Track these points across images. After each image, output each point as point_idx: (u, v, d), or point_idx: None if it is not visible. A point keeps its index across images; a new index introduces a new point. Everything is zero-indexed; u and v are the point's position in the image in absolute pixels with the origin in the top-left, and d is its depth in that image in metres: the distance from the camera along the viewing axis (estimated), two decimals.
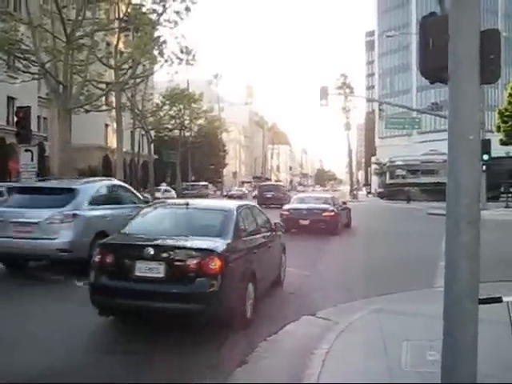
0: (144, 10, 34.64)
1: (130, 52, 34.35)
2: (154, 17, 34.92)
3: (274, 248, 9.41)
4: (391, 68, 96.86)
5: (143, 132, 50.74)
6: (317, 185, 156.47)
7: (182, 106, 54.47)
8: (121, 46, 36.73)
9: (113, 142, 45.58)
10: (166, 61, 35.27)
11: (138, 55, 33.20)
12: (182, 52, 37.52)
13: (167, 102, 52.78)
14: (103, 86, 35.08)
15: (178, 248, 6.78)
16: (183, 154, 58.14)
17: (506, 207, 39.44)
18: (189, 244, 6.85)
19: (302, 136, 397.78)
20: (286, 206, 22.37)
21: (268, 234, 9.19)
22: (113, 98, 39.17)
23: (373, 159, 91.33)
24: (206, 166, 69.79)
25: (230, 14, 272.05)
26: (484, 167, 35.16)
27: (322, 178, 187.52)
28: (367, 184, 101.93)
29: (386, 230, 23.01)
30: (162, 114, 53.19)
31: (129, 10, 34.16)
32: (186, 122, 58.18)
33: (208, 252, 6.57)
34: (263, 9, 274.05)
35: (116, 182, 15.12)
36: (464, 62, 3.34)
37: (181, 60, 37.25)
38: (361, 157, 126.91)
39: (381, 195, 69.62)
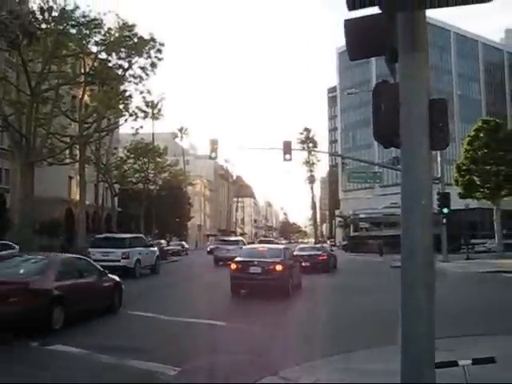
0: (110, 64, 35.06)
1: (95, 106, 34.54)
2: (119, 72, 35.31)
3: (296, 267, 19.88)
4: (353, 123, 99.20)
5: (107, 185, 50.41)
6: (281, 237, 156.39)
7: (146, 160, 54.48)
8: (86, 99, 36.89)
9: (76, 194, 45.05)
10: (131, 115, 35.54)
11: (103, 109, 33.40)
12: (147, 106, 37.93)
13: (131, 156, 52.75)
14: (67, 139, 34.97)
15: (264, 261, 17.37)
16: (148, 207, 57.75)
17: (466, 259, 40.05)
18: (268, 260, 17.51)
19: (266, 189, 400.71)
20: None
21: (293, 260, 20.19)
22: (77, 151, 38.97)
23: (337, 212, 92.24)
24: (170, 219, 69.30)
25: (196, 68, 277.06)
26: (444, 220, 35.92)
27: (287, 230, 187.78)
28: (331, 237, 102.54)
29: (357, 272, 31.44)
30: (126, 167, 53.06)
31: (95, 64, 34.52)
32: (151, 176, 58.07)
33: (277, 262, 17.36)
34: (230, 64, 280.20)
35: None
36: (414, 129, 3.47)
37: (146, 114, 37.56)
38: (325, 209, 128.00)
39: (345, 248, 70.08)
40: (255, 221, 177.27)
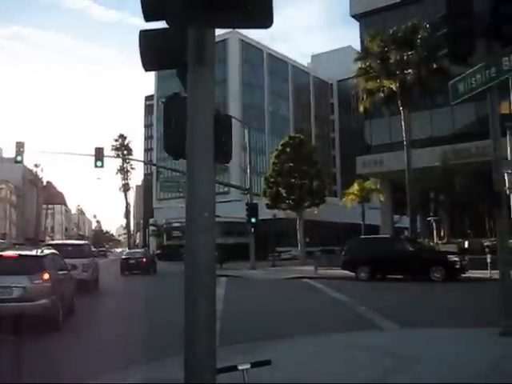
0: None
1: None
2: None
3: (155, 262, 43.10)
4: None
5: None
6: (93, 246, 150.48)
7: None
8: None
9: None
10: None
11: None
12: None
13: None
14: None
15: (136, 257, 38.21)
16: None
17: (272, 266, 42.34)
18: (138, 256, 38.59)
19: (79, 196, 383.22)
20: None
21: (151, 257, 44.00)
22: None
23: (151, 221, 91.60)
24: None
25: (6, 64, 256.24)
26: (252, 229, 37.66)
27: (100, 239, 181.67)
28: (145, 245, 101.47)
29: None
30: None
31: None
32: None
33: (143, 257, 38.81)
34: (42, 64, 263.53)
35: None
36: (200, 143, 3.56)
37: None
38: (140, 218, 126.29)
39: (159, 256, 69.87)
40: (66, 229, 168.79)
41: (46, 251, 13.34)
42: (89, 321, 13.80)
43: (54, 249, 15.14)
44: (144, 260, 38.01)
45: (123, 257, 39.68)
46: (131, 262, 37.07)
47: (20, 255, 12.42)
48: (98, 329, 12.38)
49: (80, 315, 14.22)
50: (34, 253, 12.79)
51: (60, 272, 12.88)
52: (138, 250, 49.43)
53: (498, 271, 9.57)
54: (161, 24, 4.00)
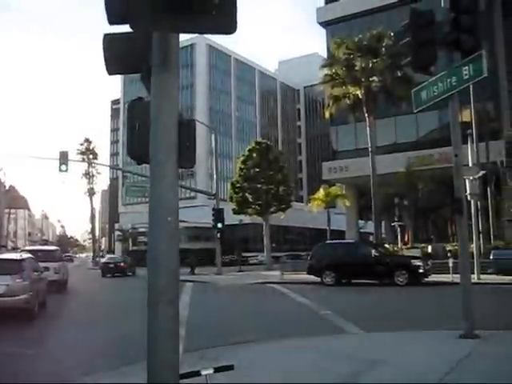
0: None
1: None
2: None
3: (133, 265, 43.99)
4: None
5: None
6: None
7: None
8: None
9: None
10: None
11: None
12: None
13: None
14: None
15: (115, 262, 42.87)
16: None
17: (239, 271, 42.29)
18: (117, 261, 43.35)
19: (43, 200, 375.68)
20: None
21: (129, 261, 44.94)
22: None
23: (116, 226, 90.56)
24: None
25: None
26: (218, 234, 37.59)
27: (65, 244, 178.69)
28: (111, 251, 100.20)
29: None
30: None
31: None
32: None
33: (121, 261, 43.57)
34: (4, 64, 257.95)
35: None
36: (163, 148, 3.55)
37: None
38: (105, 223, 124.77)
39: None
40: (29, 234, 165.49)
41: (25, 255, 16.24)
42: (57, 312, 16.19)
43: (30, 253, 18.43)
44: (122, 264, 42.77)
45: (104, 261, 45.66)
46: (111, 265, 41.79)
47: (3, 259, 15.22)
48: (64, 318, 15.12)
49: (51, 308, 16.74)
50: (14, 256, 15.81)
51: (36, 273, 15.33)
52: (117, 256, 54.61)
53: (459, 275, 9.76)
54: (126, 28, 3.99)
